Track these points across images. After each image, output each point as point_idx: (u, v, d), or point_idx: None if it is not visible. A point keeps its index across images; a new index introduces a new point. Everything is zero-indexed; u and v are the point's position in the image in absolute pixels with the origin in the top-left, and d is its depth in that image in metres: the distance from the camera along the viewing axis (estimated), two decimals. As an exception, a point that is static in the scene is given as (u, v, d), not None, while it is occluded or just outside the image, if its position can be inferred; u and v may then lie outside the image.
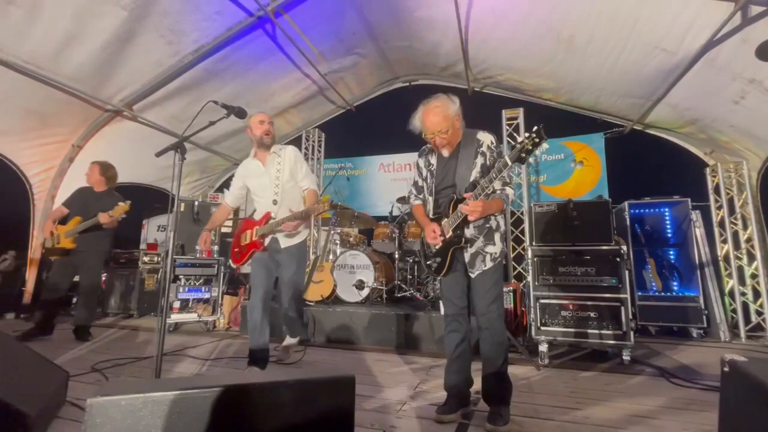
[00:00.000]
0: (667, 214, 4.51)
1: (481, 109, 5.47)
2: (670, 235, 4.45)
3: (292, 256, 2.66)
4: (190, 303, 4.66)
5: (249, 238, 2.65)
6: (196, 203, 5.17)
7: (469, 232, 1.93)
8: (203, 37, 4.22)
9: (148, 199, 7.62)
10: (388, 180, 7.15)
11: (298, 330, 2.95)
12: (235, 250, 2.75)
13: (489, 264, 1.90)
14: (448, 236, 1.92)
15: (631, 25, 3.58)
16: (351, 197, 6.79)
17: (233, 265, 2.72)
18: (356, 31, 4.82)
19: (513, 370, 2.83)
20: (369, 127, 7.32)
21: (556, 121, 5.46)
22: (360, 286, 4.22)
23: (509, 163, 1.67)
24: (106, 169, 3.96)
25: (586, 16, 3.71)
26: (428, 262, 2.08)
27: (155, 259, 5.41)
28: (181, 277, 4.30)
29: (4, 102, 4.05)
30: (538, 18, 3.92)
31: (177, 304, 4.23)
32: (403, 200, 5.20)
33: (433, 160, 2.08)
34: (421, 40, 4.97)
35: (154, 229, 7.92)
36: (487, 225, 1.94)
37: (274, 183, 2.63)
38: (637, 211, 4.59)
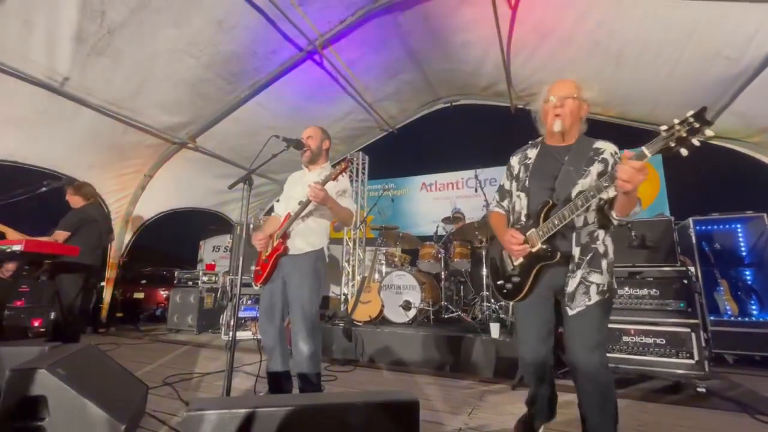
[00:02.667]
0: (739, 230, 4.14)
1: (526, 126, 5.38)
2: (744, 253, 4.07)
3: (296, 268, 2.23)
4: (245, 321, 4.92)
5: (269, 248, 2.30)
6: (251, 226, 5.49)
7: (574, 251, 1.53)
8: (258, 73, 4.60)
9: (205, 222, 8.23)
10: (431, 199, 7.20)
11: (310, 382, 2.14)
12: (256, 269, 2.39)
13: (594, 297, 1.49)
14: (535, 249, 1.56)
15: (687, 35, 3.44)
16: (393, 217, 6.89)
17: (254, 286, 2.44)
18: (399, 58, 5.01)
19: (571, 398, 2.70)
20: (411, 147, 7.48)
21: (606, 135, 5.22)
22: (407, 306, 4.23)
23: (648, 154, 1.26)
24: (78, 189, 3.83)
25: (635, 29, 3.61)
26: (499, 282, 1.70)
27: (213, 278, 5.77)
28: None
29: (92, 140, 4.63)
30: (584, 34, 3.87)
31: (233, 323, 4.47)
32: (448, 220, 5.21)
33: (532, 153, 1.75)
34: (463, 62, 5.05)
35: (210, 250, 8.48)
36: (593, 245, 1.54)
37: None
38: (703, 227, 4.26)
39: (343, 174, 2.19)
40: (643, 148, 1.26)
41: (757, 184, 4.66)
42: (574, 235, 1.55)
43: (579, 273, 1.53)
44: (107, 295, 5.75)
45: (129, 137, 4.84)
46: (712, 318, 3.96)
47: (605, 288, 1.51)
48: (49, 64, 3.63)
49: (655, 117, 4.90)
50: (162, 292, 7.44)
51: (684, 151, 1.21)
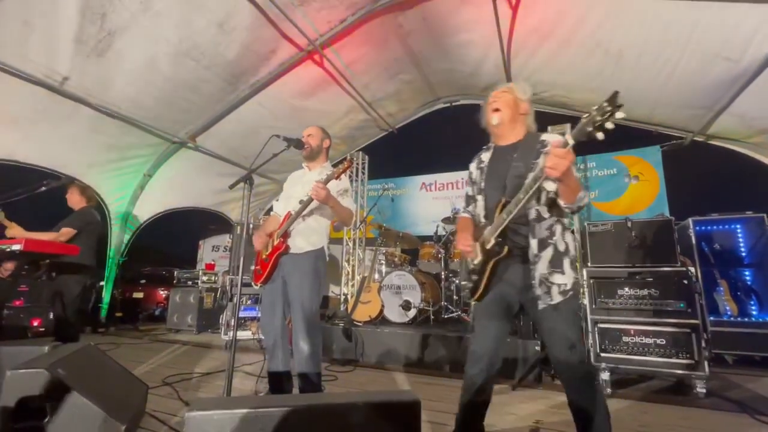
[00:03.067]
0: (739, 231, 4.15)
1: (526, 126, 5.40)
2: (744, 254, 4.08)
3: (296, 267, 2.23)
4: (245, 321, 4.92)
5: (269, 247, 2.30)
6: (251, 225, 5.48)
7: (532, 245, 1.55)
8: (258, 73, 4.59)
9: (204, 222, 8.23)
10: (430, 199, 7.19)
11: (310, 381, 2.12)
12: (256, 268, 2.40)
13: (557, 298, 1.49)
14: (488, 246, 1.58)
15: (686, 36, 3.44)
16: (393, 217, 6.88)
17: (254, 285, 2.45)
18: (399, 58, 5.01)
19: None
20: (410, 147, 7.48)
21: (607, 135, 5.25)
22: (407, 306, 4.23)
23: (570, 141, 1.30)
24: (83, 190, 3.80)
25: (635, 30, 3.62)
26: (463, 282, 1.79)
27: (213, 278, 5.76)
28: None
29: (92, 139, 4.63)
30: (584, 35, 3.87)
31: (233, 322, 4.47)
32: (447, 220, 5.21)
33: (485, 156, 1.81)
34: (463, 62, 5.05)
35: (209, 249, 8.48)
36: (551, 241, 1.55)
37: (311, 186, 2.23)
38: (703, 228, 4.27)
39: (345, 174, 2.19)
40: (567, 135, 1.31)
41: (757, 184, 4.67)
42: (529, 229, 1.57)
43: (537, 270, 1.53)
44: (106, 295, 5.74)
45: (129, 137, 4.83)
46: (711, 318, 3.97)
47: (568, 287, 1.52)
48: (48, 63, 3.62)
49: (656, 118, 4.91)
50: (161, 292, 7.43)
51: (600, 135, 1.25)
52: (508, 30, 4.17)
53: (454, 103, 6.46)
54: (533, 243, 1.55)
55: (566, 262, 1.55)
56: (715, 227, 4.24)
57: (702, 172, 5.00)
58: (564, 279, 1.52)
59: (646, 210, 5.13)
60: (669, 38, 3.54)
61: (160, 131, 4.95)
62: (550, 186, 1.47)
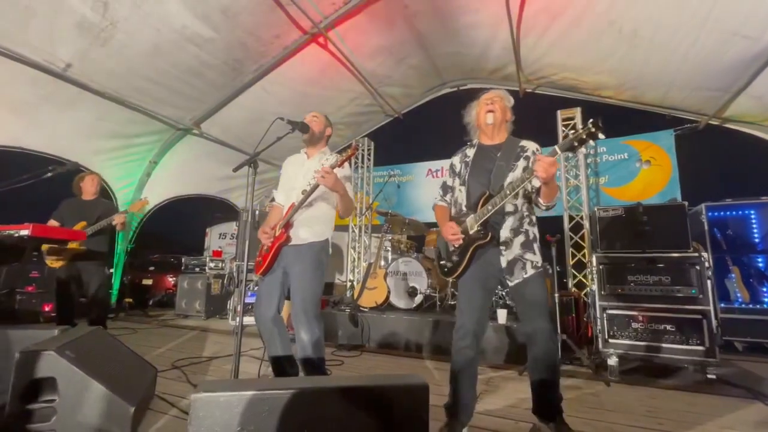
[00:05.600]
0: (753, 216, 4.06)
1: (535, 110, 5.27)
2: (757, 240, 3.99)
3: (297, 258, 2.19)
4: (252, 307, 4.95)
5: (272, 238, 2.27)
6: (257, 212, 5.48)
7: (503, 233, 1.82)
8: (262, 58, 4.52)
9: (211, 209, 8.25)
10: (437, 185, 7.12)
11: (313, 366, 2.11)
12: (258, 259, 2.35)
13: (530, 271, 1.77)
14: (472, 232, 1.82)
15: (704, 13, 3.30)
16: (399, 204, 6.84)
17: (256, 277, 2.40)
18: (405, 41, 4.89)
19: (579, 384, 2.70)
20: (416, 133, 7.39)
21: (618, 119, 5.14)
22: (413, 293, 4.23)
23: (558, 151, 1.54)
24: (100, 181, 4.02)
25: (651, 7, 3.47)
26: (442, 262, 1.97)
27: (220, 264, 5.80)
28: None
29: (96, 126, 4.62)
30: (597, 14, 3.73)
31: (240, 308, 4.50)
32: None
33: (471, 152, 2.01)
34: (471, 44, 4.92)
35: (216, 237, 8.52)
36: (522, 229, 1.83)
37: (312, 175, 2.20)
38: (716, 213, 4.18)
39: (348, 160, 2.13)
40: (555, 147, 1.56)
41: (774, 168, 4.55)
42: (504, 220, 1.83)
43: (512, 252, 1.80)
44: (116, 282, 5.82)
45: (133, 123, 4.81)
46: (722, 305, 3.92)
47: (539, 264, 1.81)
48: (51, 50, 3.59)
49: (669, 100, 4.77)
50: (170, 279, 7.51)
51: (583, 150, 1.59)
52: (517, 10, 4.03)
53: (461, 88, 6.32)
54: (508, 231, 1.82)
55: (536, 246, 1.85)
56: (728, 213, 4.15)
57: (716, 157, 4.86)
58: (536, 258, 1.81)
59: (658, 195, 5.03)
60: (685, 16, 3.40)
61: (165, 118, 4.93)
62: (536, 183, 1.71)
